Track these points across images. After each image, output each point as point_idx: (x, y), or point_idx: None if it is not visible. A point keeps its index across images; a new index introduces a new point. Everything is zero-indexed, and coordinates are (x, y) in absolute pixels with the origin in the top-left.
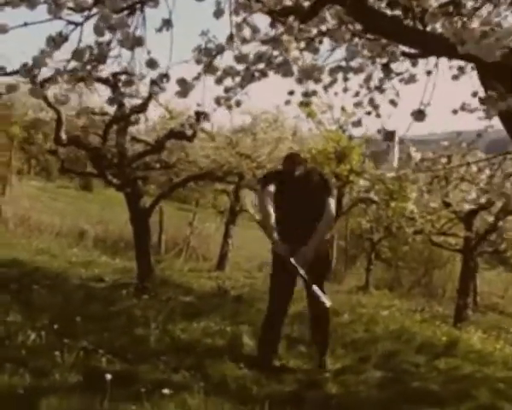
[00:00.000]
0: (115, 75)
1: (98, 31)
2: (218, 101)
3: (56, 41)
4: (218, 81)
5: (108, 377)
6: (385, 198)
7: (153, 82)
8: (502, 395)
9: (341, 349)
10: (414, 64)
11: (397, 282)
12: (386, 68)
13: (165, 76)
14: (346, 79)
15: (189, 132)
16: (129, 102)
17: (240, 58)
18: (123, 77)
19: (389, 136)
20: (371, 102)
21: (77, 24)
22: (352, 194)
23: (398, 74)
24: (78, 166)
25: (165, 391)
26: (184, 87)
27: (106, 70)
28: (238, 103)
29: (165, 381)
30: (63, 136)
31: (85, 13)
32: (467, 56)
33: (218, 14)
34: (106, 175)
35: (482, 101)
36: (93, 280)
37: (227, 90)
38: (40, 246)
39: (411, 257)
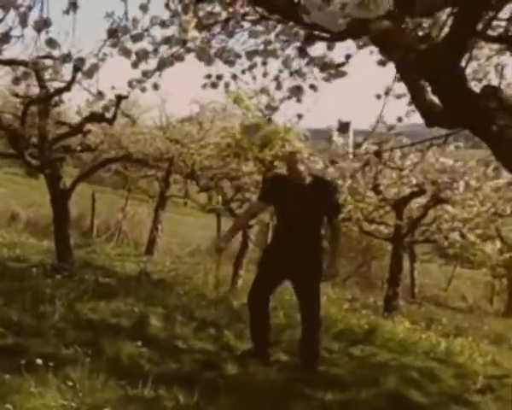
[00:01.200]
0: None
1: None
2: (130, 84)
3: None
4: (134, 65)
5: None
6: None
7: (75, 66)
8: (412, 384)
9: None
10: (330, 48)
11: None
12: (301, 52)
13: (68, 56)
14: (264, 64)
15: (109, 115)
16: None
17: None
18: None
19: (344, 127)
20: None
21: None
22: None
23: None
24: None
25: (50, 364)
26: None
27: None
28: (156, 86)
29: (54, 355)
30: None
31: None
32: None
33: None
34: (24, 156)
35: None
36: (12, 260)
37: (144, 73)
38: None
39: (349, 246)
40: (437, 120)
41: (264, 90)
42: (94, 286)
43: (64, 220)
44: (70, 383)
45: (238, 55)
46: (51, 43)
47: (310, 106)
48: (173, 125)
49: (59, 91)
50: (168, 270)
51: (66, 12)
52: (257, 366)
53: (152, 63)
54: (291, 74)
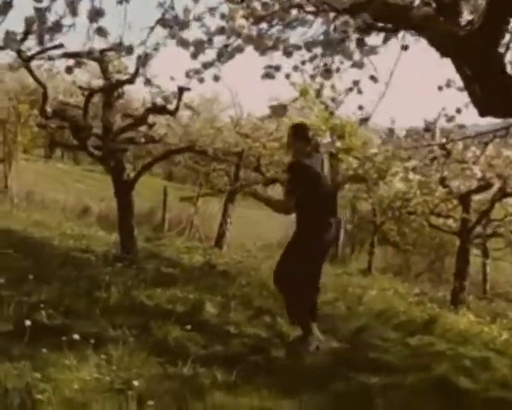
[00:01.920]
0: (103, 51)
1: None
2: (187, 74)
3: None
4: (193, 56)
5: (27, 323)
6: (374, 177)
7: (139, 58)
8: (463, 371)
9: None
10: (386, 39)
11: (406, 267)
12: (360, 43)
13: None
14: (323, 55)
15: (172, 107)
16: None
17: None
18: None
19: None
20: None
21: None
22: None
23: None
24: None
25: (91, 341)
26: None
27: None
28: (216, 78)
29: (98, 334)
30: (48, 109)
31: None
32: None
33: None
34: (87, 146)
35: None
36: (76, 250)
37: (204, 65)
38: (37, 219)
39: (422, 242)
40: (489, 109)
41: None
42: (154, 275)
43: (127, 211)
44: (108, 359)
45: (297, 47)
46: (101, 31)
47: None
48: (244, 119)
49: (121, 83)
50: (234, 262)
51: (120, 2)
52: (305, 351)
53: (211, 54)
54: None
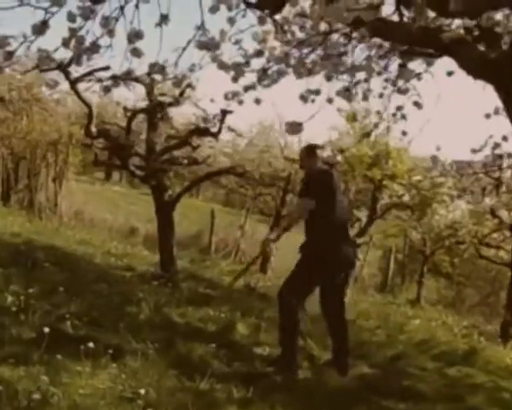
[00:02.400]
0: (150, 74)
1: (70, 17)
2: (226, 96)
3: (40, 28)
4: (234, 79)
5: (46, 330)
6: (418, 204)
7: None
8: (499, 404)
9: None
10: (429, 64)
11: (459, 299)
12: (403, 68)
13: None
14: (366, 80)
15: (214, 130)
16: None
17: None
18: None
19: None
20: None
21: (46, 10)
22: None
23: (417, 75)
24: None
25: (109, 351)
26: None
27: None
28: (258, 101)
29: (119, 346)
30: (93, 129)
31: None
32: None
33: (214, 9)
34: (128, 166)
35: None
36: (117, 268)
37: (246, 88)
38: (83, 237)
39: (477, 275)
40: None
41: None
42: (189, 294)
43: (168, 231)
44: (125, 370)
45: (340, 71)
46: (136, 52)
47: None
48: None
49: (163, 104)
50: (275, 285)
51: (159, 24)
52: (333, 373)
53: (251, 77)
54: (398, 90)
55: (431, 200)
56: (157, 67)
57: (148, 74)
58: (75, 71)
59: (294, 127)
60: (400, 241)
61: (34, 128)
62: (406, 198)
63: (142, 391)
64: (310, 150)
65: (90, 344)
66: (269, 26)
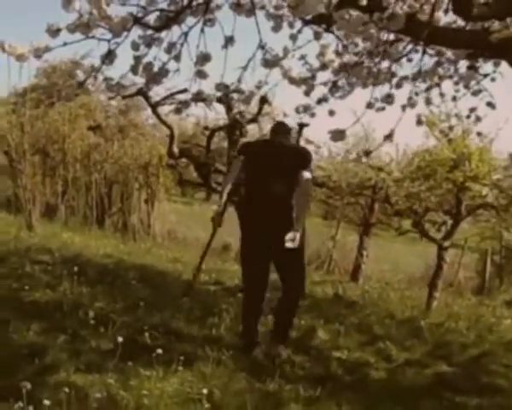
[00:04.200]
0: (229, 94)
1: (134, 46)
2: (297, 110)
3: (107, 58)
4: (306, 94)
5: (120, 339)
6: (503, 203)
7: (262, 98)
8: None
9: (421, 346)
10: (496, 64)
11: None
12: (471, 69)
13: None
14: (437, 85)
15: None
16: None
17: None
18: (235, 95)
19: None
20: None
21: (109, 41)
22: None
23: (485, 76)
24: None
25: (181, 358)
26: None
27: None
28: (332, 113)
29: (192, 354)
30: (175, 149)
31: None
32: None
33: (277, 28)
34: (210, 184)
35: None
36: (205, 283)
37: (319, 101)
38: (175, 255)
39: None
40: None
41: None
42: (274, 305)
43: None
44: (195, 374)
45: (405, 77)
46: (201, 74)
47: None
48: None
49: (240, 122)
50: (364, 293)
51: (225, 46)
52: (408, 373)
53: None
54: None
55: None
56: (222, 86)
57: (226, 95)
58: (156, 95)
59: (337, 135)
60: (497, 243)
61: (126, 152)
62: (490, 199)
63: (208, 392)
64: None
65: (163, 352)
66: (326, 40)
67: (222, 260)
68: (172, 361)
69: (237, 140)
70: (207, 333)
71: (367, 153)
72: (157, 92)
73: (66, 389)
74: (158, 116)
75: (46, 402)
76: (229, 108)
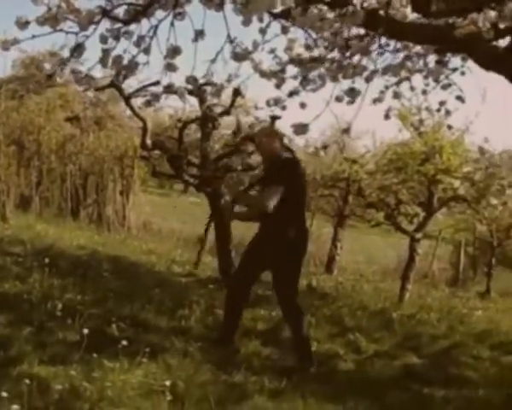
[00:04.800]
0: (201, 87)
1: (103, 39)
2: (268, 103)
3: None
4: (277, 86)
5: (85, 331)
6: (475, 196)
7: (235, 91)
8: None
9: (391, 338)
10: (464, 59)
11: None
12: (440, 64)
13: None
14: (407, 79)
15: None
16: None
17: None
18: (208, 88)
19: None
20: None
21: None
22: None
23: (453, 70)
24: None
25: (146, 350)
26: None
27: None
28: (303, 105)
29: (159, 345)
30: (148, 141)
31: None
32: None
33: (247, 22)
34: (182, 176)
35: None
36: (178, 275)
37: (291, 93)
38: (149, 247)
39: None
40: None
41: None
42: None
43: (224, 235)
44: (161, 366)
45: (375, 71)
46: (170, 67)
47: None
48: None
49: (212, 114)
50: (337, 285)
51: (195, 39)
52: (377, 364)
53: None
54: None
55: (484, 191)
56: (191, 79)
57: (198, 87)
58: (130, 87)
59: (300, 128)
60: (471, 235)
61: (101, 144)
62: (461, 191)
63: (171, 384)
64: (272, 133)
65: (129, 343)
66: (294, 34)
67: (196, 251)
68: (138, 353)
69: (210, 132)
70: (176, 325)
71: (324, 147)
72: (130, 84)
73: (28, 381)
74: (131, 108)
75: (4, 394)
76: (201, 101)
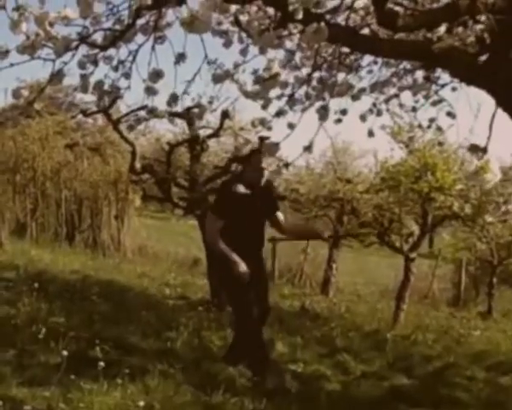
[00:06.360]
0: (189, 109)
1: (81, 65)
2: (253, 123)
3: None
4: (263, 107)
5: (65, 353)
6: (469, 213)
7: (224, 113)
8: None
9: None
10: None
11: None
12: (427, 80)
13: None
14: (396, 96)
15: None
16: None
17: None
18: (195, 110)
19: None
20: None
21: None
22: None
23: (442, 85)
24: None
25: (126, 371)
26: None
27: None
28: (291, 126)
29: (141, 368)
30: (138, 165)
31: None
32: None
33: (228, 44)
34: (171, 199)
35: None
36: (169, 298)
37: (278, 113)
38: (144, 270)
39: None
40: None
41: None
42: None
43: (214, 258)
44: (140, 388)
45: (363, 90)
46: (150, 90)
47: None
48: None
49: (198, 137)
50: (331, 306)
51: (177, 62)
52: (364, 386)
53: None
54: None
55: (479, 209)
56: (171, 98)
57: (187, 110)
58: (118, 111)
59: (271, 148)
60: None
61: (95, 169)
62: (456, 209)
63: (148, 405)
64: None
65: (111, 365)
66: (272, 54)
67: (191, 274)
68: (118, 375)
69: (198, 155)
70: (161, 346)
71: (286, 165)
72: (119, 109)
73: (0, 403)
74: (119, 133)
75: None
76: (189, 123)
